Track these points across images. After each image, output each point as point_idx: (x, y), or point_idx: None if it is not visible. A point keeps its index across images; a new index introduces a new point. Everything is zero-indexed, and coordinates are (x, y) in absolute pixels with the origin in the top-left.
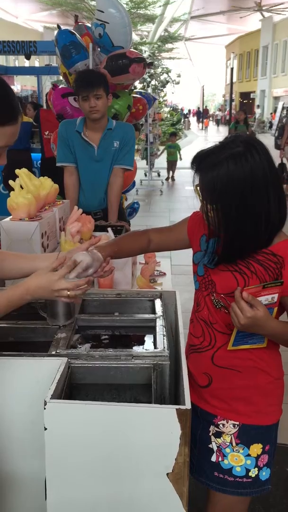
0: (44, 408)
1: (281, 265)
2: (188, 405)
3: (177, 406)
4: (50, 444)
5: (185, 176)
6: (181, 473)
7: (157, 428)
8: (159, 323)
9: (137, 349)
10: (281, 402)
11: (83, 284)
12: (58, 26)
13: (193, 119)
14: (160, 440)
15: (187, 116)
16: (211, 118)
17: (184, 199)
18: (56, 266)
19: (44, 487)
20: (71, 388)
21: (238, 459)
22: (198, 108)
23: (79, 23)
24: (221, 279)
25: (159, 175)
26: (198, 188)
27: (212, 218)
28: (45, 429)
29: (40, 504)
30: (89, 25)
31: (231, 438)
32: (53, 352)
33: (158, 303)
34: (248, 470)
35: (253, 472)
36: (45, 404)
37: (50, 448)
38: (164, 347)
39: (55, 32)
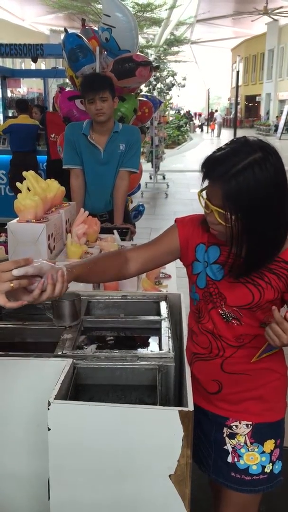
0: (48, 409)
1: None
2: (190, 407)
3: (180, 408)
4: (53, 444)
5: (190, 178)
6: (183, 474)
7: (159, 430)
8: (164, 325)
9: (142, 350)
10: (286, 395)
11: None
12: (65, 30)
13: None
14: (162, 442)
15: (193, 118)
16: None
17: (189, 201)
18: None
19: (48, 487)
20: (77, 389)
21: (253, 458)
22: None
23: (86, 27)
24: (233, 292)
25: (164, 178)
26: (204, 194)
27: (235, 227)
28: (49, 429)
29: (43, 504)
30: (96, 28)
31: (245, 438)
32: (59, 353)
33: (163, 305)
34: (263, 467)
35: (268, 468)
36: (49, 404)
37: (54, 449)
38: (169, 349)
39: (62, 35)
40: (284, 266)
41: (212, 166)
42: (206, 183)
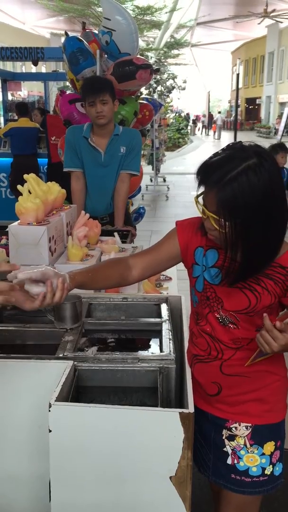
0: (49, 411)
1: None
2: (191, 409)
3: (180, 410)
4: (54, 446)
5: (191, 181)
6: (184, 476)
7: (160, 431)
8: (165, 327)
9: (143, 352)
10: (286, 397)
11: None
12: (66, 33)
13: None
14: (163, 444)
15: (196, 121)
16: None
17: (189, 204)
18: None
19: (49, 489)
20: (78, 391)
21: (253, 460)
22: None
23: (87, 30)
24: (230, 296)
25: (164, 180)
26: (200, 200)
27: (229, 233)
28: (50, 431)
29: (44, 505)
30: (96, 31)
31: (245, 440)
32: (60, 355)
33: (164, 307)
34: (263, 469)
35: (268, 470)
36: (50, 406)
37: (55, 450)
38: (170, 351)
39: (62, 38)
40: (280, 271)
41: (207, 172)
42: (202, 188)
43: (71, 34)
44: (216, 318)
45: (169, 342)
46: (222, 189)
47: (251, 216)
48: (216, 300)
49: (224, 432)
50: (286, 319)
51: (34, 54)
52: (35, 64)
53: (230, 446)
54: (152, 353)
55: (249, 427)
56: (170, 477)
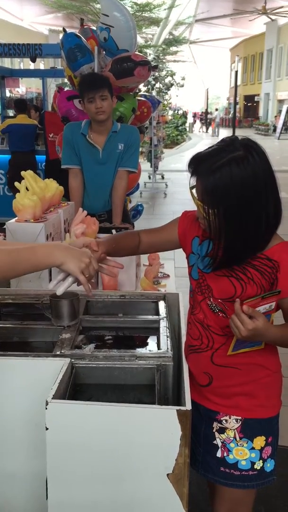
0: (46, 408)
1: (276, 270)
2: (188, 406)
3: (178, 407)
4: (51, 444)
5: (189, 178)
6: (181, 474)
7: (157, 429)
8: (163, 324)
9: (140, 350)
10: (280, 394)
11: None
12: (64, 30)
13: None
14: (160, 441)
15: (202, 119)
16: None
17: (188, 201)
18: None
19: (45, 487)
20: (75, 388)
21: (242, 453)
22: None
23: (85, 26)
24: (218, 284)
25: (163, 177)
26: (194, 190)
27: (213, 221)
28: (47, 429)
29: (41, 503)
30: (94, 28)
31: (235, 433)
32: (58, 353)
33: (161, 304)
34: (253, 463)
35: (258, 465)
36: (47, 404)
37: (52, 448)
38: (167, 348)
39: (60, 35)
40: (267, 264)
41: (197, 163)
42: (194, 178)
43: (69, 30)
44: (208, 305)
45: (167, 340)
46: (207, 178)
47: (231, 205)
48: (207, 288)
49: (215, 425)
50: (259, 307)
51: (32, 51)
52: (33, 60)
53: (220, 439)
54: (150, 350)
55: (239, 420)
56: (167, 475)
